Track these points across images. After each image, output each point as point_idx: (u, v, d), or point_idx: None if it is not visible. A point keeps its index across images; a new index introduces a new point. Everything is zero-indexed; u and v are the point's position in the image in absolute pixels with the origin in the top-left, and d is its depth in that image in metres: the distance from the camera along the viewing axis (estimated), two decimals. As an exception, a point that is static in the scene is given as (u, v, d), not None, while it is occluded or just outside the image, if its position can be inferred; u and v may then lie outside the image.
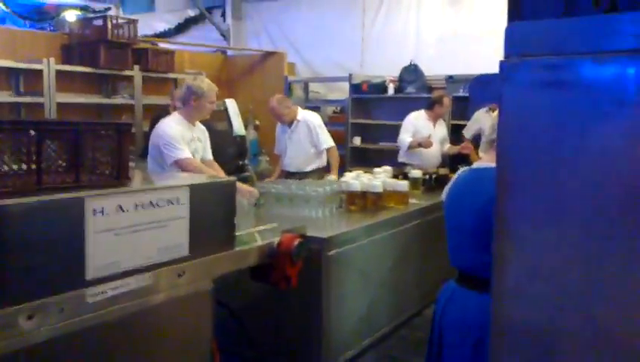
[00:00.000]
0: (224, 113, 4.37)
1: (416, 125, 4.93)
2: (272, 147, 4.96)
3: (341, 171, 4.34)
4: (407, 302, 2.89)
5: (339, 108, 7.13)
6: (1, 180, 1.28)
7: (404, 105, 5.71)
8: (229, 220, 1.70)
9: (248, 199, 2.82)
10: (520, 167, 1.26)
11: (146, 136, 5.09)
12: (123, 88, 5.81)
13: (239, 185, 3.10)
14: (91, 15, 7.70)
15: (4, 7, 8.38)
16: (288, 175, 4.43)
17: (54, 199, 1.25)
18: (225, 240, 1.68)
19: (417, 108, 5.12)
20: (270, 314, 2.26)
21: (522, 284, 1.27)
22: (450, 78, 6.04)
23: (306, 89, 7.27)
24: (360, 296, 2.48)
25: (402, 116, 5.12)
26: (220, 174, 3.28)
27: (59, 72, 5.11)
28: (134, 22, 5.73)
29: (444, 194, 2.08)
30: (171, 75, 6.15)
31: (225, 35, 8.24)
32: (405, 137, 4.88)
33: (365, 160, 6.46)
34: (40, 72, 4.99)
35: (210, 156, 3.53)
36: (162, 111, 5.18)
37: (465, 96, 5.71)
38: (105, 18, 5.59)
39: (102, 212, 1.31)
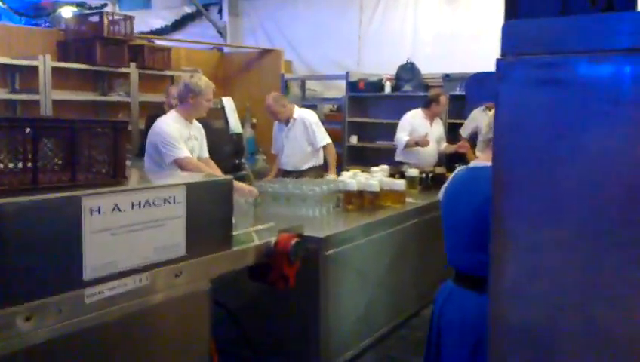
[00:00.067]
0: (221, 111, 4.36)
1: (413, 124, 4.92)
2: (269, 145, 4.94)
3: (339, 169, 4.34)
4: (405, 301, 2.90)
5: (336, 106, 7.12)
6: (-3, 179, 1.27)
7: (401, 104, 5.71)
8: (226, 219, 1.69)
9: (248, 198, 2.82)
10: (516, 166, 1.26)
11: (143, 134, 5.08)
12: (119, 85, 5.79)
13: (239, 183, 3.10)
14: (87, 11, 7.65)
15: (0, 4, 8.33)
16: (285, 173, 4.42)
17: (50, 198, 1.25)
18: (222, 240, 1.67)
19: (414, 107, 5.12)
20: (268, 314, 2.26)
21: (519, 284, 1.28)
22: (446, 77, 6.04)
23: (302, 87, 7.26)
24: (358, 295, 2.48)
25: (399, 114, 5.11)
26: (216, 173, 3.27)
27: (54, 69, 5.09)
28: (131, 18, 5.70)
29: (441, 194, 2.09)
30: (168, 73, 6.13)
31: (222, 32, 8.21)
32: (402, 136, 4.88)
33: (362, 158, 6.45)
34: (36, 68, 4.96)
35: (206, 154, 3.52)
36: (158, 110, 5.17)
37: (462, 95, 5.72)
38: (101, 15, 5.56)
39: (98, 211, 1.31)
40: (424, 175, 3.62)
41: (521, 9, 1.42)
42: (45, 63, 5.00)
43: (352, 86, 6.60)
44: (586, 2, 1.32)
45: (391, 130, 5.19)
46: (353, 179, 3.00)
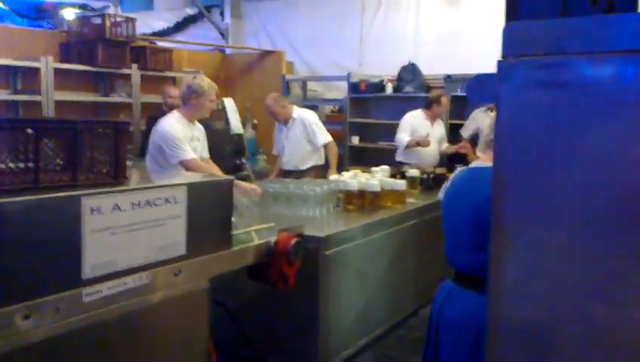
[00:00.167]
0: (222, 112, 4.38)
1: (414, 124, 4.93)
2: (270, 146, 4.96)
3: (340, 169, 4.34)
4: (404, 301, 2.90)
5: (337, 107, 7.12)
6: (-2, 179, 1.27)
7: (402, 105, 5.71)
8: (226, 219, 1.70)
9: (252, 197, 2.82)
10: (516, 166, 1.26)
11: (144, 135, 5.09)
12: (121, 87, 5.80)
13: (243, 183, 3.11)
14: (90, 13, 7.68)
15: (2, 5, 8.36)
16: (286, 173, 4.44)
17: (51, 198, 1.25)
18: (222, 240, 1.68)
19: (415, 108, 5.12)
20: (267, 313, 2.26)
21: (519, 284, 1.28)
22: (448, 78, 6.04)
23: (304, 88, 7.27)
24: (357, 295, 2.49)
25: (400, 115, 5.11)
26: (218, 173, 3.28)
27: (57, 70, 5.11)
28: (133, 20, 5.72)
29: (441, 194, 2.09)
30: (169, 74, 6.14)
31: (223, 34, 8.23)
32: (403, 136, 4.88)
33: (363, 159, 6.45)
34: (38, 70, 4.98)
35: (207, 155, 3.53)
36: (158, 111, 5.18)
37: (463, 96, 5.71)
38: (103, 16, 5.57)
39: (98, 211, 1.31)
40: (425, 175, 3.62)
41: (521, 10, 1.42)
42: (47, 65, 5.02)
43: (353, 87, 6.61)
44: (586, 3, 1.33)
45: (392, 131, 5.19)
46: (354, 179, 3.00)
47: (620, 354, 1.17)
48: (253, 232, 1.90)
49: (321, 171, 4.44)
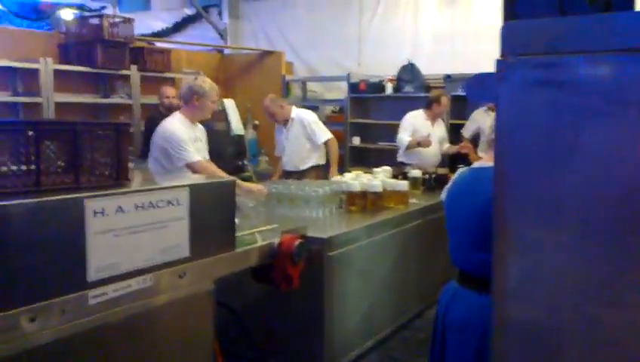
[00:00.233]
0: (222, 113, 4.37)
1: (415, 124, 4.92)
2: (272, 147, 4.95)
3: (341, 170, 4.33)
4: (409, 302, 2.89)
5: (337, 107, 7.12)
6: (0, 181, 1.27)
7: (402, 105, 5.70)
8: (229, 221, 1.69)
9: (257, 197, 2.82)
10: (517, 166, 1.26)
11: (144, 136, 5.09)
12: (120, 88, 5.79)
13: (247, 183, 3.10)
14: (87, 14, 7.67)
15: (0, 7, 8.34)
16: (287, 174, 4.43)
17: (54, 200, 1.25)
18: (225, 241, 1.67)
19: (416, 108, 5.11)
20: (272, 315, 2.26)
21: (522, 284, 1.27)
22: (448, 78, 6.04)
23: (303, 88, 7.26)
24: (361, 296, 2.48)
25: (401, 115, 5.11)
26: (225, 176, 3.28)
27: (56, 72, 5.10)
28: (131, 21, 5.71)
29: (443, 194, 2.08)
30: (168, 75, 6.13)
31: (222, 34, 8.22)
32: (404, 136, 4.88)
33: (364, 159, 6.45)
34: (37, 71, 4.97)
35: (207, 156, 3.53)
36: (156, 112, 5.18)
37: (463, 96, 5.71)
38: (101, 17, 5.56)
39: (102, 213, 1.31)
40: (427, 176, 3.62)
41: (519, 9, 1.42)
42: (47, 66, 5.01)
43: (353, 87, 6.61)
44: (584, 2, 1.32)
45: (393, 131, 5.19)
46: (356, 180, 3.00)
47: (623, 354, 1.17)
48: (256, 234, 1.90)
49: (322, 171, 4.44)
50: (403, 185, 3.01)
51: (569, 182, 1.18)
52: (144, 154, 3.68)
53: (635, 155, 1.10)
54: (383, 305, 2.65)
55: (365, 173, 3.39)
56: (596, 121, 1.14)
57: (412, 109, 5.10)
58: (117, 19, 5.68)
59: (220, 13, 8.36)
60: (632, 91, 1.10)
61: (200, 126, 3.50)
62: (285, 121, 4.52)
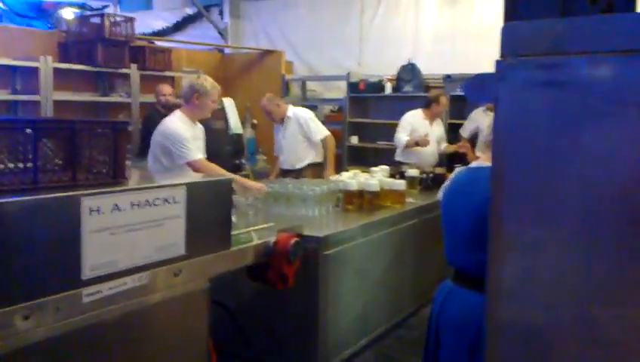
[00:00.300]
0: (221, 112, 4.38)
1: (413, 124, 4.93)
2: (270, 146, 4.96)
3: (339, 169, 4.34)
4: (404, 301, 2.90)
5: (336, 107, 7.13)
6: (-3, 179, 1.27)
7: (401, 105, 5.71)
8: (225, 219, 1.70)
9: (256, 195, 2.82)
10: (515, 166, 1.26)
11: (141, 134, 5.09)
12: (120, 86, 5.80)
13: (247, 181, 3.11)
14: (89, 13, 7.67)
15: (1, 5, 8.35)
16: (284, 173, 4.44)
17: (50, 198, 1.25)
18: (221, 240, 1.68)
19: (415, 108, 5.12)
20: (267, 313, 2.27)
21: (517, 284, 1.27)
22: (447, 77, 6.04)
23: (303, 88, 7.27)
24: (356, 295, 2.49)
25: (400, 115, 5.12)
26: (225, 174, 3.28)
27: (56, 70, 5.10)
28: (132, 20, 5.72)
29: (440, 194, 2.09)
30: (168, 74, 6.14)
31: (222, 34, 8.22)
32: (402, 136, 4.88)
33: (362, 159, 6.46)
34: (37, 70, 4.98)
35: (205, 155, 3.53)
36: (153, 110, 5.19)
37: (462, 96, 5.71)
38: (102, 16, 5.57)
39: (98, 211, 1.31)
40: (424, 175, 3.62)
41: (520, 10, 1.42)
42: (46, 64, 5.01)
43: (352, 87, 6.61)
44: (585, 3, 1.33)
45: (391, 131, 5.19)
46: (353, 179, 3.00)
47: (619, 353, 1.17)
48: (252, 232, 1.90)
49: (319, 169, 4.45)
50: (400, 184, 3.02)
51: (567, 182, 1.19)
52: (142, 152, 3.69)
53: (634, 156, 1.11)
54: (378, 304, 2.66)
55: (363, 172, 3.40)
56: (596, 121, 1.14)
57: (411, 109, 5.11)
58: (118, 19, 5.69)
59: (220, 13, 8.37)
60: (633, 92, 1.10)
61: (199, 125, 3.51)
62: (282, 120, 4.53)
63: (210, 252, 1.62)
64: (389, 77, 6.47)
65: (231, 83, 7.13)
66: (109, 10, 8.13)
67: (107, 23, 5.41)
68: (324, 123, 4.85)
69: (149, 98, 5.82)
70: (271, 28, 7.90)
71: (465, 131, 5.26)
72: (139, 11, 8.20)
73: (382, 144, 6.35)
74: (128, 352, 1.41)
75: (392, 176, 3.39)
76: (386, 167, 3.58)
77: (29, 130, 1.33)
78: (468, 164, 2.31)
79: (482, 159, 1.97)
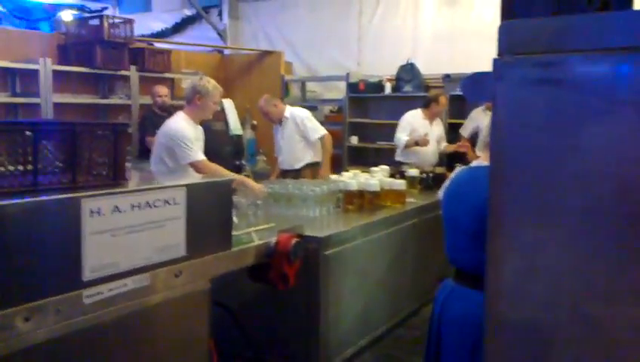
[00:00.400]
0: (221, 113, 4.38)
1: (413, 124, 4.93)
2: (270, 147, 4.97)
3: (339, 170, 4.34)
4: (405, 300, 2.90)
5: (336, 107, 7.13)
6: (-2, 181, 1.28)
7: (401, 105, 5.71)
8: (226, 220, 1.70)
9: (256, 196, 2.83)
10: (513, 164, 1.26)
11: (139, 135, 5.10)
12: (119, 88, 5.80)
13: (248, 181, 3.11)
14: (87, 15, 7.68)
15: (0, 8, 8.35)
16: (284, 173, 4.45)
17: (50, 200, 1.25)
18: (222, 240, 1.68)
19: (414, 108, 5.12)
20: (268, 313, 2.27)
21: (516, 283, 1.28)
22: (447, 77, 6.05)
23: (303, 88, 7.27)
24: (357, 295, 2.49)
25: (399, 115, 5.12)
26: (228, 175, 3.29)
27: (55, 72, 5.10)
28: (131, 22, 5.72)
29: (441, 193, 2.09)
30: (168, 75, 6.14)
31: (222, 35, 8.23)
32: (402, 136, 4.89)
33: (362, 159, 6.46)
34: (36, 72, 4.98)
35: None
36: (149, 111, 5.20)
37: (462, 95, 5.71)
38: (101, 18, 5.57)
39: (98, 212, 1.31)
40: (424, 175, 3.63)
41: (517, 8, 1.42)
42: (46, 67, 5.01)
43: (352, 87, 6.62)
44: (582, 1, 1.33)
45: (391, 131, 5.20)
46: (353, 179, 3.01)
47: (618, 353, 1.17)
48: (253, 233, 1.90)
49: (318, 169, 4.45)
50: (400, 184, 3.02)
51: (565, 180, 1.19)
52: (140, 153, 3.69)
53: (632, 154, 1.11)
54: (379, 304, 2.66)
55: (363, 172, 3.40)
56: (593, 119, 1.15)
57: (411, 109, 5.11)
58: (117, 20, 5.69)
59: (219, 14, 8.37)
60: (630, 90, 1.11)
61: (199, 126, 3.51)
62: (280, 121, 4.54)
63: (211, 253, 1.62)
64: (389, 77, 6.47)
65: (230, 84, 7.13)
66: (108, 11, 8.15)
67: (106, 25, 5.41)
68: (323, 123, 4.86)
69: (149, 100, 5.82)
70: (270, 29, 7.90)
71: (465, 130, 5.27)
72: (138, 13, 8.20)
73: (382, 144, 6.36)
74: (129, 353, 1.41)
75: (392, 176, 3.39)
76: (386, 167, 3.58)
77: (29, 133, 1.34)
78: (468, 163, 2.31)
79: (482, 158, 1.97)
